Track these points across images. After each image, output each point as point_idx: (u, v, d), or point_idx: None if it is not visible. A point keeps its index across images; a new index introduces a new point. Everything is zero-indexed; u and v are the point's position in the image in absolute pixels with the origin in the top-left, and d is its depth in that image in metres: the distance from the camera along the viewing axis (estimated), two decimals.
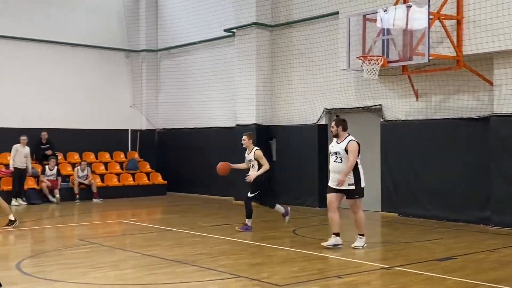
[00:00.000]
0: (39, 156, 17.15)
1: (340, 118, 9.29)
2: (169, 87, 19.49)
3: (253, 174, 10.58)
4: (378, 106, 13.51)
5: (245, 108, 16.06)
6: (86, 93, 18.68)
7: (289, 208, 11.37)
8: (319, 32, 14.61)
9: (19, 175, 15.61)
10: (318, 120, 14.69)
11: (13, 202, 15.36)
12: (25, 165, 15.69)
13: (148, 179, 18.71)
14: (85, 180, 16.89)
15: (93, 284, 6.89)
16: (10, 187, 15.68)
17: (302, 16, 15.09)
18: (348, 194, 8.86)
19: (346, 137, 8.92)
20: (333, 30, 14.06)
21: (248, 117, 15.99)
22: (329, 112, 14.62)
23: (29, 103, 17.50)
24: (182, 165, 18.71)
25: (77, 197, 16.58)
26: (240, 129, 16.14)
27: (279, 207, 11.05)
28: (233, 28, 16.37)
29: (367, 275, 7.36)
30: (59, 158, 17.49)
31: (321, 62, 14.53)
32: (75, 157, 18.34)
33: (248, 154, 10.73)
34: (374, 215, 13.16)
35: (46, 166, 16.60)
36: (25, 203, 15.64)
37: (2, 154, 16.67)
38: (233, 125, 16.61)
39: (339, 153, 8.83)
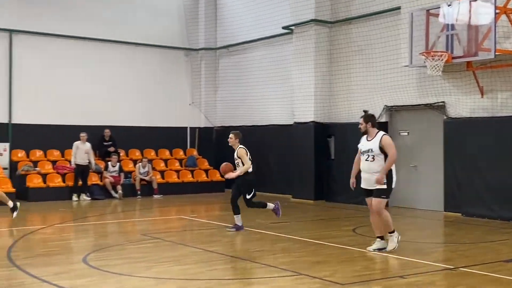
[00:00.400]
0: (102, 152, 17.68)
1: (368, 113, 8.69)
2: (227, 85, 19.68)
3: (232, 173, 10.44)
4: (441, 103, 13.21)
5: (303, 106, 16.04)
6: (147, 92, 19.12)
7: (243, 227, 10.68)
8: (379, 28, 14.42)
9: (81, 171, 16.16)
10: (378, 117, 14.48)
11: (74, 197, 15.92)
12: (87, 161, 16.23)
13: (207, 176, 18.96)
14: (146, 176, 17.30)
15: (157, 278, 7.05)
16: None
17: (362, 12, 14.94)
18: (375, 192, 8.30)
19: (377, 133, 8.41)
20: (394, 25, 13.85)
21: (306, 114, 15.96)
22: (389, 109, 14.41)
23: (94, 101, 18.03)
24: None
25: (139, 193, 16.99)
26: (298, 127, 16.18)
27: (239, 219, 10.62)
28: (292, 26, 16.37)
29: (431, 275, 7.22)
30: (121, 154, 17.98)
31: (381, 58, 14.34)
32: (137, 154, 18.82)
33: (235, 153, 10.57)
34: (436, 214, 12.90)
35: (109, 163, 17.10)
36: (89, 198, 16.14)
37: (67, 151, 17.24)
38: (291, 122, 16.63)
39: (371, 150, 8.31)
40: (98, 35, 18.19)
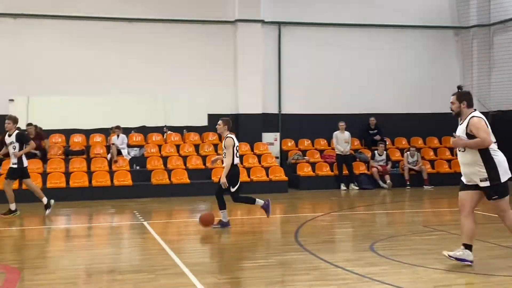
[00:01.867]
0: (368, 141, 18.04)
1: (463, 90, 7.07)
2: (504, 65, 18.45)
3: (221, 175, 9.87)
4: None
5: None
6: (412, 76, 18.96)
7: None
8: None
9: (343, 160, 16.71)
10: None
11: (342, 186, 16.55)
12: (348, 150, 16.70)
13: None
14: (415, 166, 17.15)
15: (454, 271, 6.93)
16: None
17: None
18: (485, 193, 6.97)
19: (468, 115, 6.95)
20: None
21: None
22: None
23: (358, 89, 18.52)
24: None
25: (408, 183, 16.93)
26: None
27: (225, 215, 10.11)
28: None
29: None
30: (387, 143, 18.12)
31: None
32: (403, 142, 18.78)
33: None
34: None
35: (375, 152, 17.36)
36: (357, 188, 16.61)
37: (332, 140, 17.93)
38: None
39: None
40: (360, 20, 18.58)
